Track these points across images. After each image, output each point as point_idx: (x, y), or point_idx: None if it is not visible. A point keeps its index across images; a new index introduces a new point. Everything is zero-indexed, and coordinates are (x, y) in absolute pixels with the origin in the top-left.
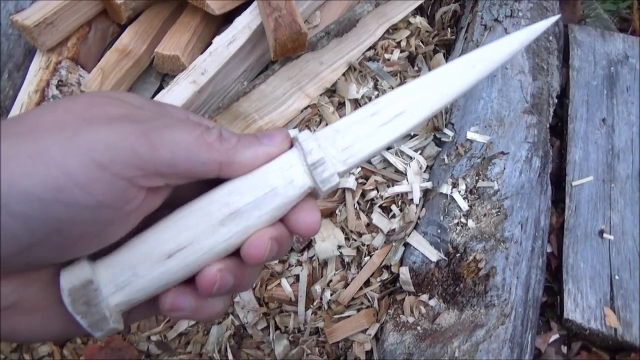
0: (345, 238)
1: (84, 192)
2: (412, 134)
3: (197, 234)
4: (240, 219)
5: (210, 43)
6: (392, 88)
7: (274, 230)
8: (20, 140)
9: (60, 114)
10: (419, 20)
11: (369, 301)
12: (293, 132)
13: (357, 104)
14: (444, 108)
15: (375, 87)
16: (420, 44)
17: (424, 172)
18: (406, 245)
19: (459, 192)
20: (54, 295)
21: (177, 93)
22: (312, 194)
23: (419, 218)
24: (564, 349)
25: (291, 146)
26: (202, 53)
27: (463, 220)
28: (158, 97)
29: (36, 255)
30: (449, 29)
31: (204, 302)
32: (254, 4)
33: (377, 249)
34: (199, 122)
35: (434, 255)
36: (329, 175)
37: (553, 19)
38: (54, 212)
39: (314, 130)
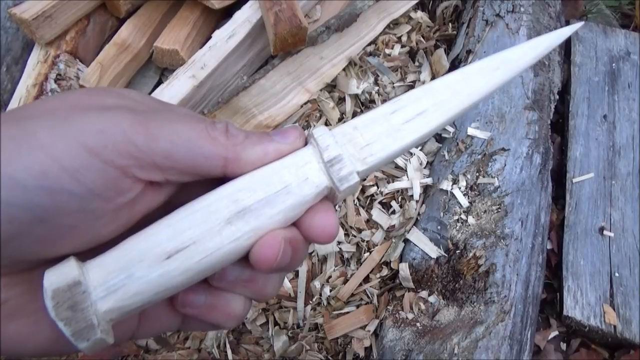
0: (345, 234)
1: (72, 179)
2: None
3: (201, 233)
4: (249, 218)
5: (209, 37)
6: (393, 83)
7: (288, 232)
8: (7, 126)
9: (53, 103)
10: (420, 15)
11: (368, 297)
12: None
13: (357, 99)
14: (467, 110)
15: (376, 83)
16: (421, 39)
17: (424, 168)
18: (406, 241)
19: (459, 188)
20: (41, 299)
21: (176, 87)
22: (328, 197)
23: (419, 214)
24: (563, 346)
25: (306, 145)
26: (201, 47)
27: (463, 216)
28: (157, 92)
29: (19, 248)
30: (450, 24)
31: (218, 298)
32: None
33: (376, 245)
34: (204, 119)
35: (433, 251)
36: (347, 174)
37: (578, 25)
38: (38, 199)
39: (314, 126)
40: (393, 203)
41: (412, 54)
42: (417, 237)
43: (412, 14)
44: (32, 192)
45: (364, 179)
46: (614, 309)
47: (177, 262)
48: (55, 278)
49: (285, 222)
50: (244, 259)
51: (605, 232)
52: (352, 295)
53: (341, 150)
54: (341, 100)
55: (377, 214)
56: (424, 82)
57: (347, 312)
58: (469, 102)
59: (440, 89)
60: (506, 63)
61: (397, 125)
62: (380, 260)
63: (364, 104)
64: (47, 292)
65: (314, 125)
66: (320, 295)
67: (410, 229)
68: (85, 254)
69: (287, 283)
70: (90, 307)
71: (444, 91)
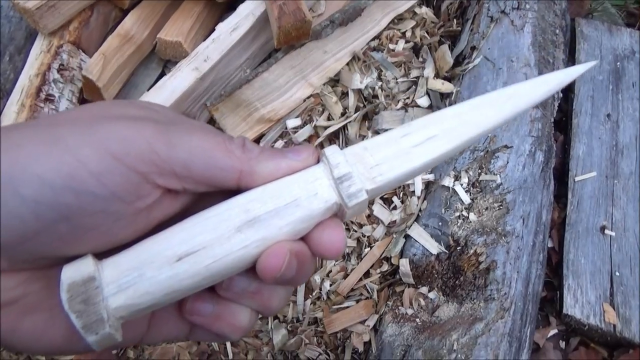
0: (346, 229)
1: (97, 181)
2: None
3: (211, 239)
4: (259, 227)
5: (213, 30)
6: (396, 79)
7: (295, 245)
8: (38, 130)
9: (79, 112)
10: (424, 11)
11: (368, 292)
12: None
13: (360, 94)
14: (476, 139)
15: (379, 78)
16: (426, 34)
17: None
18: (407, 237)
19: (461, 185)
20: (58, 296)
21: (179, 79)
22: (337, 214)
23: (420, 210)
24: (562, 344)
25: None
26: (204, 40)
27: (465, 213)
28: (159, 84)
29: (42, 244)
30: (454, 20)
31: (225, 308)
32: None
33: (377, 241)
34: (222, 133)
35: (434, 247)
36: (356, 191)
37: (591, 64)
38: (63, 199)
39: (317, 119)
40: (394, 199)
41: (416, 50)
42: (418, 233)
43: (417, 10)
44: (59, 191)
45: (373, 199)
46: (613, 308)
47: (186, 265)
48: (72, 272)
49: (294, 234)
50: (252, 271)
51: (606, 231)
52: (352, 290)
53: (351, 169)
54: (344, 95)
55: (378, 209)
56: (427, 78)
57: (347, 307)
58: (478, 131)
59: (450, 116)
60: (517, 96)
61: (407, 148)
62: (381, 255)
63: (367, 99)
64: (63, 285)
65: (317, 120)
66: (320, 289)
67: (411, 225)
68: (104, 255)
69: None
70: (101, 302)
71: (454, 119)
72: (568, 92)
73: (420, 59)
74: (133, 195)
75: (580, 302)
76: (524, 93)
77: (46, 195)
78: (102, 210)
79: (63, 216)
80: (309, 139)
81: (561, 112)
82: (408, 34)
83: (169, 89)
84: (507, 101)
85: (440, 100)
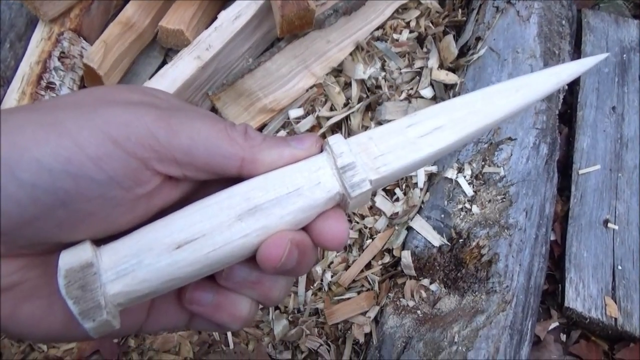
0: (348, 220)
1: (95, 166)
2: None
3: (211, 227)
4: (260, 216)
5: (215, 18)
6: (400, 69)
7: (296, 235)
8: (38, 113)
9: (80, 96)
10: (429, 1)
11: (369, 284)
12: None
13: (363, 84)
14: (485, 130)
15: (383, 68)
16: (430, 24)
17: None
18: (409, 229)
19: (464, 177)
20: (56, 282)
21: (181, 68)
22: (340, 205)
23: (422, 202)
24: (563, 337)
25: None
26: (207, 28)
27: (467, 205)
28: (161, 72)
29: (40, 229)
30: (459, 10)
31: (225, 298)
32: None
33: (379, 232)
34: (224, 120)
35: (436, 239)
36: (360, 181)
37: (603, 56)
38: (61, 183)
39: (320, 110)
40: (397, 190)
41: (420, 40)
42: (420, 225)
43: None
44: (56, 176)
45: (376, 190)
46: (615, 302)
47: (185, 252)
48: (69, 258)
49: (295, 223)
50: (253, 261)
51: (609, 225)
52: (354, 281)
53: (355, 158)
54: (347, 85)
55: (381, 200)
56: (431, 69)
57: (348, 298)
58: (487, 121)
59: (459, 106)
60: (527, 86)
61: (413, 138)
62: (383, 247)
63: (370, 90)
64: (61, 270)
65: (319, 110)
66: (322, 280)
67: (413, 217)
68: (103, 242)
69: None
70: (99, 288)
71: (463, 109)
72: (573, 84)
73: (425, 50)
74: (132, 181)
75: (582, 295)
76: (535, 84)
77: (44, 179)
78: (101, 196)
79: (61, 201)
80: (312, 130)
81: (566, 105)
82: (412, 24)
83: (171, 78)
84: (518, 91)
85: (444, 92)
